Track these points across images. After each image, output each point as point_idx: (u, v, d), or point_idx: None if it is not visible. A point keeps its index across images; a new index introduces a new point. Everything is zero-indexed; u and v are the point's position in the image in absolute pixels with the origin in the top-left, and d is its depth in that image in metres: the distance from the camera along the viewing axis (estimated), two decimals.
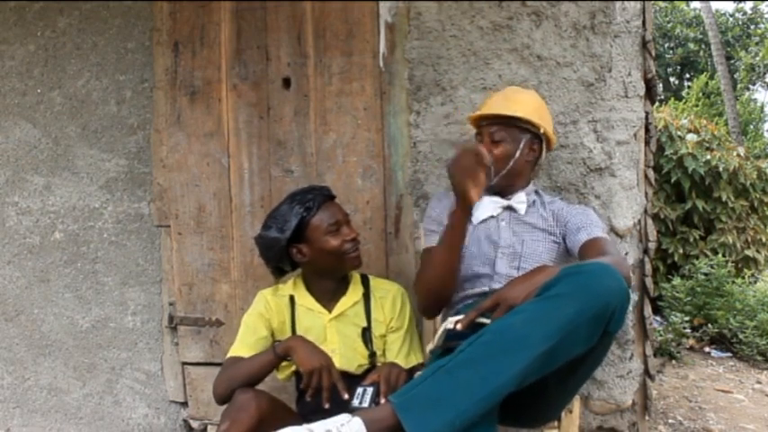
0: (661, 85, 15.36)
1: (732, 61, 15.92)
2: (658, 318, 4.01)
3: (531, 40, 1.97)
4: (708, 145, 4.53)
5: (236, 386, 1.56)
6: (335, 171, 2.15)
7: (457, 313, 1.60)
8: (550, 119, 1.80)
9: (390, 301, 1.77)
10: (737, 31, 16.42)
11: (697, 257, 4.26)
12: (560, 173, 1.96)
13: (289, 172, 2.19)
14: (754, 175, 4.59)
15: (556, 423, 1.64)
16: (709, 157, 4.34)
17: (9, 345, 2.52)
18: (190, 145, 2.26)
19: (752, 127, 16.13)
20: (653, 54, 1.99)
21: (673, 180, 4.31)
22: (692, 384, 3.13)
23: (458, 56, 2.02)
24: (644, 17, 1.97)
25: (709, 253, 4.30)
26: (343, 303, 1.74)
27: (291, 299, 1.76)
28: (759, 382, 3.21)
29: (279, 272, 1.76)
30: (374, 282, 1.81)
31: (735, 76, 15.94)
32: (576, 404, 1.67)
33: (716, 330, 3.76)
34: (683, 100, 14.15)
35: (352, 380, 1.60)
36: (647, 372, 2.01)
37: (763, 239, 4.65)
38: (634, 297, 1.97)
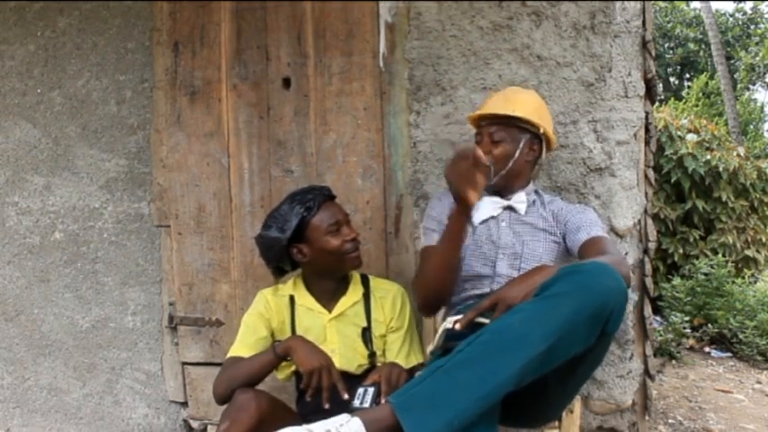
0: (661, 85, 15.36)
1: (732, 61, 15.93)
2: (658, 318, 4.01)
3: (531, 40, 1.97)
4: (708, 145, 4.53)
5: (236, 386, 1.56)
6: (335, 171, 2.15)
7: (457, 314, 1.60)
8: (550, 119, 1.80)
9: (390, 301, 1.77)
10: (737, 31, 16.42)
11: (697, 257, 4.26)
12: (560, 173, 1.96)
13: (289, 172, 2.19)
14: (754, 175, 4.59)
15: (556, 423, 1.64)
16: (709, 157, 4.34)
17: (9, 345, 2.52)
18: (190, 145, 2.26)
19: (752, 127, 16.13)
20: (653, 54, 1.99)
21: (673, 180, 4.31)
22: (692, 384, 3.13)
23: (458, 56, 2.02)
24: (644, 17, 1.97)
25: (709, 253, 4.30)
26: (343, 303, 1.74)
27: (291, 299, 1.76)
28: (759, 382, 3.21)
29: (279, 272, 1.76)
30: (374, 282, 1.81)
31: (735, 76, 15.95)
32: (577, 404, 1.67)
33: (716, 330, 3.76)
34: (683, 100, 14.15)
35: (352, 380, 1.61)
36: (647, 372, 2.01)
37: (763, 239, 4.65)
38: (634, 297, 1.97)
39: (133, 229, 2.37)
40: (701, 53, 16.37)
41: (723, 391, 3.04)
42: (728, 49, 15.69)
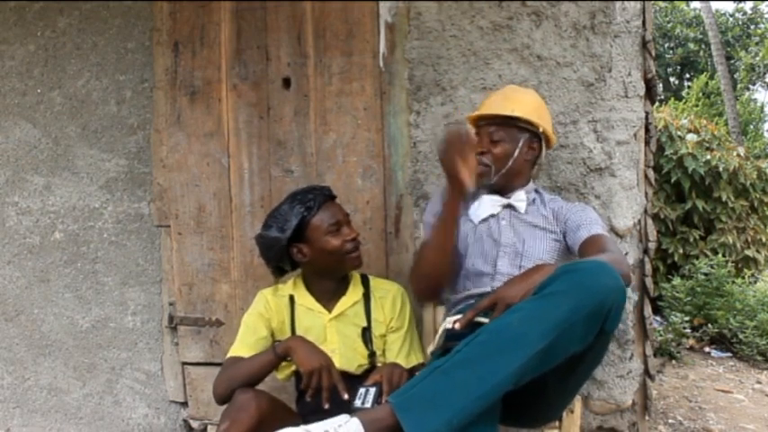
0: (661, 85, 15.36)
1: (732, 61, 15.93)
2: (658, 318, 4.01)
3: (531, 40, 1.97)
4: (708, 145, 4.53)
5: (236, 386, 1.56)
6: (335, 171, 2.15)
7: (457, 314, 1.60)
8: (549, 117, 1.80)
9: (390, 300, 1.77)
10: (737, 31, 16.42)
11: (697, 257, 4.26)
12: (560, 173, 1.96)
13: (289, 172, 2.19)
14: (754, 175, 4.59)
15: (557, 423, 1.64)
16: (709, 157, 4.34)
17: (9, 345, 2.52)
18: (190, 145, 2.26)
19: (752, 127, 16.13)
20: (653, 54, 1.99)
21: (673, 180, 4.31)
22: (692, 384, 3.13)
23: (458, 56, 2.02)
24: (644, 17, 1.97)
25: (709, 253, 4.30)
26: (343, 303, 1.74)
27: (291, 298, 1.76)
28: (759, 382, 3.21)
29: (279, 272, 1.76)
30: (374, 282, 1.81)
31: (735, 76, 15.95)
32: (578, 404, 1.67)
33: (716, 330, 3.76)
34: (683, 100, 14.15)
35: (352, 380, 1.61)
36: (647, 372, 2.01)
37: (763, 239, 4.65)
38: (634, 297, 1.97)
39: (133, 229, 2.37)
40: (701, 53, 16.37)
41: (723, 391, 3.04)
42: (728, 49, 15.69)
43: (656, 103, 3.90)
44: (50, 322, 2.47)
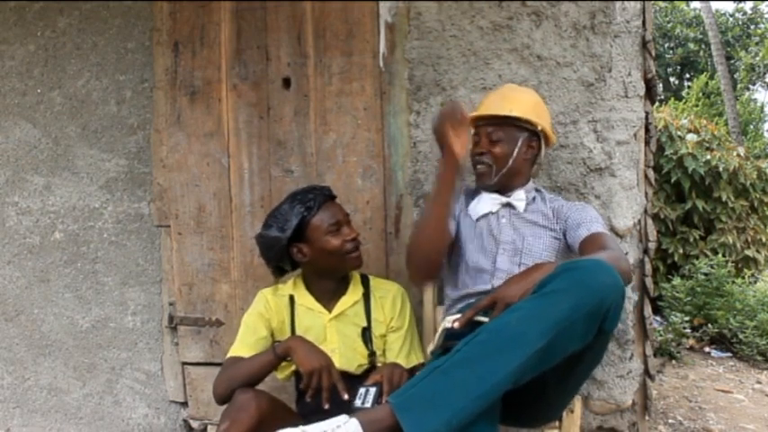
0: (661, 85, 15.36)
1: (732, 61, 15.92)
2: (658, 318, 4.01)
3: (531, 40, 1.97)
4: (708, 145, 4.53)
5: (236, 386, 1.56)
6: (335, 171, 2.15)
7: (457, 313, 1.60)
8: (548, 116, 1.80)
9: (390, 300, 1.77)
10: (737, 31, 16.42)
11: (697, 257, 4.26)
12: (560, 173, 1.96)
13: (289, 172, 2.19)
14: (754, 175, 4.59)
15: (557, 423, 1.64)
16: (709, 157, 4.34)
17: (9, 345, 2.52)
18: (190, 145, 2.26)
19: (752, 127, 16.13)
20: (653, 54, 1.99)
21: (673, 180, 4.31)
22: (692, 384, 3.13)
23: (458, 56, 2.02)
24: (644, 17, 1.97)
25: (709, 253, 4.30)
26: (343, 303, 1.74)
27: (291, 298, 1.76)
28: (759, 382, 3.21)
29: (279, 271, 1.77)
30: (374, 281, 1.81)
31: (735, 76, 15.94)
32: (578, 404, 1.67)
33: (716, 330, 3.76)
34: (683, 100, 14.15)
35: (351, 380, 1.61)
36: (647, 372, 2.01)
37: (763, 239, 4.65)
38: (634, 297, 1.97)
39: (133, 229, 2.37)
40: (701, 53, 16.37)
41: (723, 391, 3.04)
42: (728, 49, 15.69)
43: (656, 103, 3.90)
44: (50, 322, 2.47)
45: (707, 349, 3.75)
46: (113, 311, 2.41)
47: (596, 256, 1.41)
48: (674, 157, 4.31)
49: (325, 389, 1.52)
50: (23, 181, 2.48)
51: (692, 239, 4.35)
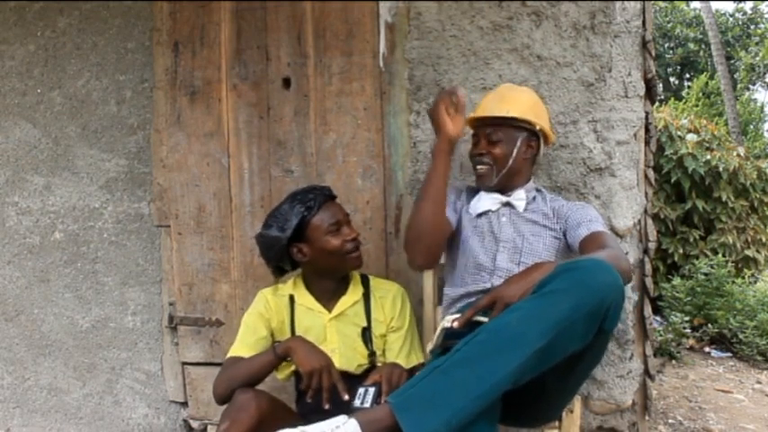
0: (661, 85, 15.36)
1: (732, 61, 15.92)
2: (658, 318, 4.01)
3: (531, 40, 1.97)
4: (708, 145, 4.53)
5: (236, 386, 1.56)
6: (335, 171, 2.15)
7: (457, 312, 1.60)
8: (547, 114, 1.80)
9: (390, 300, 1.77)
10: (737, 31, 16.42)
11: (697, 257, 4.26)
12: (560, 173, 1.96)
13: (289, 172, 2.19)
14: (754, 175, 4.59)
15: (556, 423, 1.64)
16: (709, 157, 4.34)
17: (9, 345, 2.52)
18: (190, 145, 2.26)
19: (752, 127, 16.13)
20: (653, 54, 1.99)
21: (673, 180, 4.31)
22: (692, 384, 3.13)
23: (458, 56, 2.02)
24: (644, 17, 1.97)
25: (709, 253, 4.30)
26: (343, 303, 1.74)
27: (291, 298, 1.76)
28: (759, 382, 3.21)
29: (279, 271, 1.76)
30: (374, 281, 1.81)
31: (735, 76, 15.94)
32: (577, 404, 1.67)
33: (716, 330, 3.76)
34: (683, 100, 14.15)
35: (352, 380, 1.61)
36: (647, 372, 2.01)
37: (763, 239, 4.65)
38: (634, 297, 1.97)
39: (133, 229, 2.37)
40: (701, 53, 16.37)
41: (723, 391, 3.04)
42: (728, 49, 15.69)
43: (656, 103, 3.90)
44: (50, 322, 2.47)
45: (707, 349, 3.75)
46: (113, 311, 2.41)
47: (596, 255, 1.41)
48: (674, 157, 4.31)
49: (325, 389, 1.52)
50: (23, 181, 2.48)
51: (692, 239, 4.35)
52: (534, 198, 1.77)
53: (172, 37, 2.26)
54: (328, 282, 1.74)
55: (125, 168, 2.38)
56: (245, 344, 1.69)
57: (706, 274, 3.98)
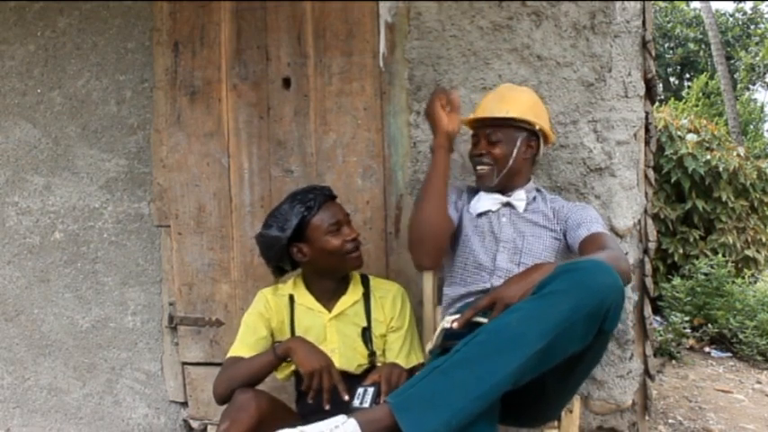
0: (661, 85, 15.36)
1: (732, 61, 15.92)
2: (658, 318, 4.01)
3: (531, 40, 1.96)
4: (708, 145, 4.53)
5: (236, 386, 1.56)
6: (335, 171, 2.15)
7: (456, 312, 1.60)
8: (546, 114, 1.80)
9: (390, 300, 1.77)
10: (737, 31, 16.42)
11: (697, 257, 4.26)
12: (560, 173, 1.96)
13: (289, 172, 2.19)
14: (754, 175, 4.59)
15: (556, 423, 1.64)
16: (709, 157, 4.34)
17: (9, 345, 2.52)
18: (190, 145, 2.26)
19: (752, 127, 16.13)
20: (653, 54, 1.99)
21: (673, 180, 4.31)
22: (692, 384, 3.13)
23: (458, 56, 2.02)
24: (644, 17, 1.97)
25: (709, 253, 4.30)
26: (343, 303, 1.74)
27: (291, 298, 1.76)
28: (759, 382, 3.21)
29: (279, 271, 1.76)
30: (374, 281, 1.81)
31: (735, 76, 15.94)
32: (576, 404, 1.67)
33: (716, 330, 3.76)
34: (683, 100, 14.15)
35: (351, 380, 1.60)
36: (647, 372, 2.01)
37: (763, 239, 4.65)
38: (634, 297, 1.97)
39: (133, 229, 2.37)
40: (701, 53, 16.37)
41: (723, 391, 3.04)
42: (728, 49, 15.69)
43: (656, 103, 3.90)
44: (50, 322, 2.47)
45: (707, 349, 3.75)
46: (113, 311, 2.41)
47: (596, 256, 1.41)
48: (674, 157, 4.31)
49: (325, 390, 1.52)
50: (23, 181, 2.48)
51: (692, 239, 4.35)
52: (534, 198, 1.77)
53: (172, 37, 2.26)
54: (328, 282, 1.74)
55: (125, 168, 2.38)
56: (246, 344, 1.69)
57: (706, 274, 3.98)
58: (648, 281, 1.98)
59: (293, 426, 1.23)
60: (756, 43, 16.17)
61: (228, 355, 1.69)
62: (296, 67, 2.17)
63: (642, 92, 1.97)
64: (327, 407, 1.48)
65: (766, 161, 5.14)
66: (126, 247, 2.38)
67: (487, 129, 1.73)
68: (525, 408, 1.46)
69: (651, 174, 2.05)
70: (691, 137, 4.50)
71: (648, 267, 1.99)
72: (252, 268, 2.21)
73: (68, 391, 2.47)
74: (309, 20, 2.15)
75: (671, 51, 16.67)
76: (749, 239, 4.56)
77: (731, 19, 16.69)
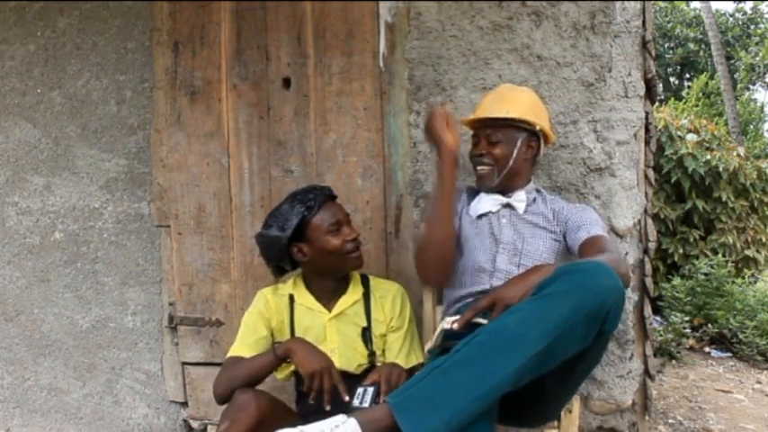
0: (661, 85, 15.36)
1: (732, 61, 15.92)
2: (658, 318, 4.01)
3: (531, 40, 1.96)
4: (708, 145, 4.53)
5: (236, 386, 1.56)
6: (335, 171, 2.15)
7: (456, 313, 1.60)
8: (546, 114, 1.80)
9: (390, 300, 1.77)
10: (737, 31, 16.42)
11: (697, 257, 4.26)
12: (560, 173, 1.96)
13: (289, 172, 2.19)
14: (754, 175, 4.59)
15: (555, 423, 1.64)
16: (709, 157, 4.34)
17: (9, 345, 2.52)
18: (190, 145, 2.26)
19: (752, 127, 16.13)
20: (653, 54, 1.99)
21: (673, 180, 4.31)
22: (692, 384, 3.13)
23: (458, 56, 2.02)
24: (644, 17, 1.97)
25: (709, 253, 4.30)
26: (343, 302, 1.74)
27: (291, 298, 1.76)
28: (759, 382, 3.21)
29: (279, 271, 1.77)
30: (374, 281, 1.81)
31: (735, 76, 15.94)
32: (576, 404, 1.67)
33: (716, 330, 3.76)
34: (683, 100, 14.15)
35: (351, 379, 1.60)
36: (647, 372, 2.01)
37: (763, 239, 4.65)
38: (634, 297, 1.97)
39: (133, 229, 2.37)
40: (701, 53, 16.37)
41: (723, 391, 3.04)
42: (728, 49, 15.69)
43: (656, 103, 3.90)
44: (50, 322, 2.47)
45: (707, 349, 3.75)
46: (113, 311, 2.41)
47: (596, 258, 1.40)
48: (674, 157, 4.31)
49: (326, 391, 1.52)
50: (23, 181, 2.48)
51: (692, 239, 4.35)
52: (534, 199, 1.77)
53: (172, 37, 2.26)
54: (328, 281, 1.74)
55: (125, 168, 2.38)
56: (246, 343, 1.69)
57: (706, 274, 3.98)
58: (648, 281, 1.98)
59: (293, 425, 1.23)
60: (756, 43, 16.17)
61: (229, 354, 1.69)
62: (296, 67, 2.17)
63: (642, 92, 1.97)
64: (328, 407, 1.49)
65: (766, 161, 5.14)
66: (126, 247, 2.38)
67: (488, 129, 1.73)
68: (525, 408, 1.46)
69: (651, 174, 2.05)
70: (691, 137, 4.50)
71: (648, 267, 1.99)
72: (252, 268, 2.21)
73: (68, 391, 2.47)
74: (309, 20, 2.15)
75: (671, 51, 16.67)
76: (749, 239, 4.56)
77: (731, 19, 16.69)
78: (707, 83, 15.10)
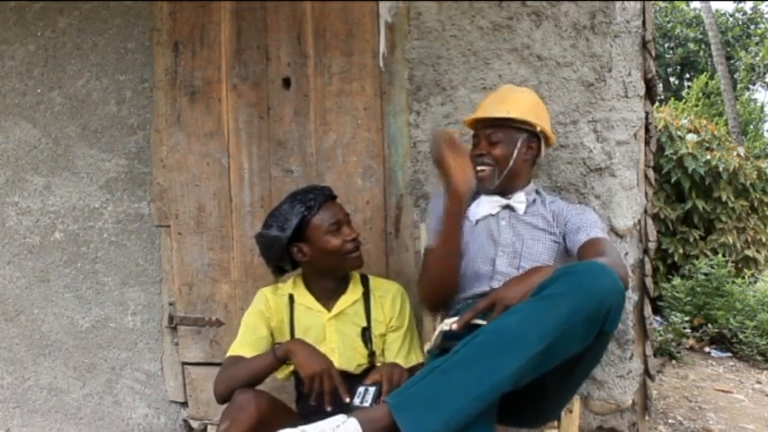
0: (661, 85, 15.36)
1: (732, 61, 15.93)
2: (658, 318, 4.01)
3: (531, 40, 1.96)
4: (708, 145, 4.53)
5: (237, 386, 1.56)
6: (335, 171, 2.15)
7: (455, 314, 1.60)
8: (547, 115, 1.80)
9: (390, 300, 1.77)
10: (737, 31, 16.43)
11: (697, 257, 4.26)
12: (560, 173, 1.96)
13: (289, 172, 2.19)
14: (754, 175, 4.59)
15: (555, 423, 1.64)
16: (709, 157, 4.34)
17: (9, 345, 2.52)
18: (190, 145, 2.26)
19: (752, 127, 16.13)
20: (653, 54, 1.99)
21: (673, 180, 4.31)
22: (692, 384, 3.13)
23: (458, 56, 2.02)
24: (644, 17, 1.97)
25: (709, 253, 4.30)
26: (343, 302, 1.74)
27: (291, 297, 1.76)
28: (759, 382, 3.21)
29: (279, 271, 1.77)
30: (374, 281, 1.81)
31: (735, 76, 15.95)
32: (576, 404, 1.67)
33: (716, 330, 3.76)
34: (683, 100, 14.15)
35: (351, 379, 1.60)
36: (647, 372, 2.01)
37: (763, 239, 4.65)
38: (634, 297, 1.97)
39: (133, 229, 2.37)
40: (701, 53, 16.37)
41: (723, 391, 3.04)
42: (728, 49, 15.69)
43: (656, 103, 3.90)
44: (50, 322, 2.47)
45: (707, 349, 3.75)
46: (113, 311, 2.41)
47: (596, 260, 1.40)
48: (674, 157, 4.31)
49: (326, 392, 1.52)
50: (23, 181, 2.48)
51: (692, 239, 4.35)
52: (534, 201, 1.76)
53: (172, 37, 2.26)
54: (328, 281, 1.74)
55: (125, 168, 2.38)
56: (246, 343, 1.69)
57: (706, 274, 3.98)
58: (648, 281, 1.98)
59: (294, 425, 1.23)
60: (756, 43, 16.18)
61: (229, 353, 1.69)
62: (296, 67, 2.17)
63: (642, 92, 1.97)
64: (329, 408, 1.48)
65: (766, 161, 5.14)
66: (126, 247, 2.38)
67: (488, 129, 1.72)
68: (525, 408, 1.46)
69: (651, 174, 2.05)
70: (691, 137, 4.50)
71: (648, 267, 1.99)
72: (252, 268, 2.21)
73: (68, 391, 2.47)
74: (309, 20, 2.15)
75: (671, 51, 16.67)
76: (749, 239, 4.56)
77: (731, 19, 16.69)
78: (707, 83, 15.10)
